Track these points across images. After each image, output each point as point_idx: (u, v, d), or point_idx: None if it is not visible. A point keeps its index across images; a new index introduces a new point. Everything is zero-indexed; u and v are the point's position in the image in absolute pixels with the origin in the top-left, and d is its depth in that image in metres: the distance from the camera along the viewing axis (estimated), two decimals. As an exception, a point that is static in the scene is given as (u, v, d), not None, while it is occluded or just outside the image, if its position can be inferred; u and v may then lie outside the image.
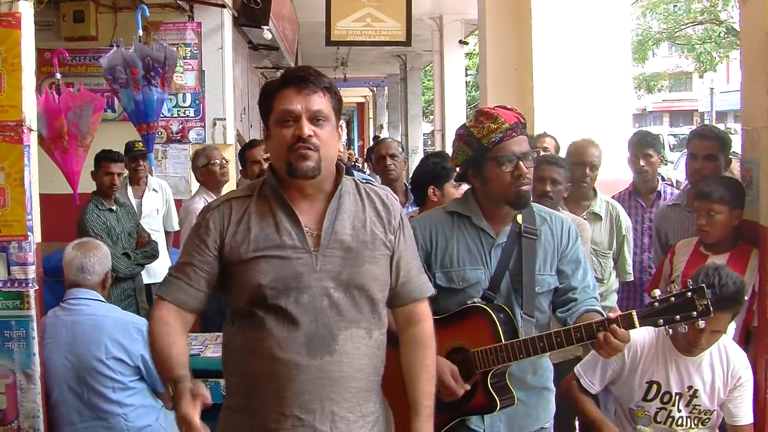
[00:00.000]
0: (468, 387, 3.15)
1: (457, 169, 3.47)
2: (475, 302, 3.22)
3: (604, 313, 3.11)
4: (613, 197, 5.50)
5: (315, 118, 2.63)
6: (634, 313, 2.94)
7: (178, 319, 2.68)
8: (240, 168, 7.90)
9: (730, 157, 5.14)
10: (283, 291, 2.59)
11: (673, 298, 2.90)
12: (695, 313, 2.87)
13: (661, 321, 2.91)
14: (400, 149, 6.55)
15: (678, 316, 2.88)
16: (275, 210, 2.68)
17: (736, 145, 4.97)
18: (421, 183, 4.79)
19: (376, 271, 2.72)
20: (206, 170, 6.32)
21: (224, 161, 6.40)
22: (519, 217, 3.29)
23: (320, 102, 2.64)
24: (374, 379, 2.76)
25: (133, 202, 7.19)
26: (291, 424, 2.60)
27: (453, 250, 3.29)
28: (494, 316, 3.15)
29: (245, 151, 6.28)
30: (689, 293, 2.87)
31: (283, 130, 2.63)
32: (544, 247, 3.31)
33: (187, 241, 2.79)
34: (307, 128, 2.60)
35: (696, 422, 3.76)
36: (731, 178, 4.63)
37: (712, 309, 2.88)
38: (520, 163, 3.14)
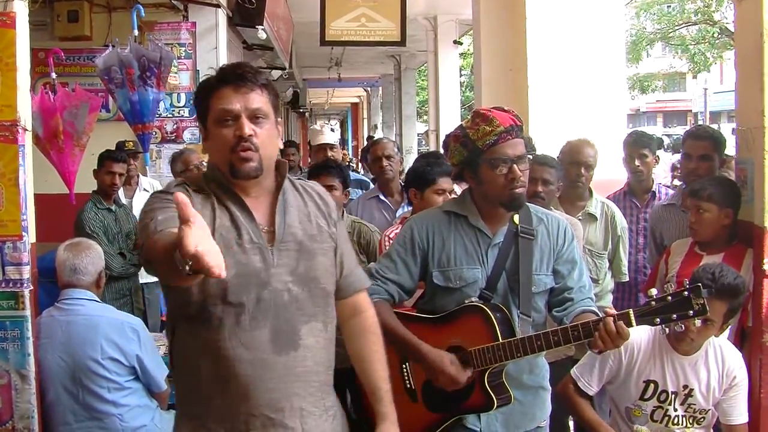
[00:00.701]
0: (470, 373, 3.17)
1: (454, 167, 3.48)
2: (472, 301, 3.24)
3: (599, 312, 3.12)
4: (607, 197, 5.50)
5: (254, 117, 2.59)
6: (631, 311, 2.95)
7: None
8: None
9: (726, 156, 5.16)
10: (244, 287, 2.53)
11: (669, 297, 2.91)
12: (692, 312, 2.88)
13: (658, 320, 2.92)
14: (395, 149, 6.55)
15: (675, 315, 2.90)
16: (228, 206, 2.61)
17: (730, 145, 4.99)
18: (406, 184, 4.82)
19: (327, 263, 2.73)
20: (184, 176, 6.32)
21: (202, 164, 6.39)
22: (516, 218, 3.31)
23: (259, 100, 2.61)
24: (331, 373, 2.77)
25: (124, 201, 7.18)
26: (261, 424, 2.57)
27: (450, 249, 3.31)
28: (491, 315, 3.17)
29: None
30: (686, 292, 2.88)
31: (222, 131, 2.58)
32: (541, 247, 3.33)
33: (151, 206, 2.56)
34: (248, 127, 2.56)
35: (691, 421, 3.77)
36: (725, 178, 4.64)
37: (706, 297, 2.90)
38: (514, 166, 3.16)
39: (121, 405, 4.15)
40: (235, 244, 2.56)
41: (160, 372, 4.33)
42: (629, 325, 2.93)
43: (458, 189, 6.02)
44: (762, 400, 4.12)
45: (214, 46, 8.53)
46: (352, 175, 7.57)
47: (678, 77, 44.86)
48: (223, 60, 8.69)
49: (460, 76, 21.15)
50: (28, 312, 3.91)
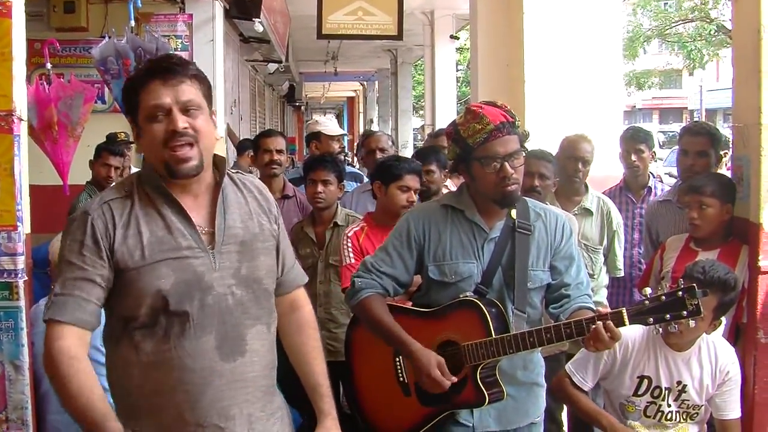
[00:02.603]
0: (455, 379, 3.15)
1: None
2: (466, 296, 3.23)
3: (594, 309, 3.14)
4: (603, 192, 5.51)
5: (186, 109, 2.47)
6: (624, 311, 2.94)
7: (82, 347, 2.40)
8: (251, 154, 8.07)
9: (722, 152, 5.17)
10: (186, 295, 2.45)
11: (663, 297, 2.91)
12: (685, 312, 2.87)
13: (651, 319, 2.92)
14: (390, 143, 6.55)
15: (668, 315, 2.90)
16: (162, 210, 2.51)
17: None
18: (372, 176, 4.81)
19: (269, 263, 2.68)
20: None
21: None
22: (513, 212, 3.30)
23: (190, 91, 2.49)
24: (274, 374, 2.72)
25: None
26: None
27: (446, 243, 3.29)
28: (485, 310, 3.16)
29: (259, 139, 6.29)
30: (680, 292, 2.88)
31: (154, 126, 2.46)
32: (538, 242, 3.31)
33: (68, 253, 2.48)
34: (181, 121, 2.44)
35: (684, 417, 3.77)
36: (722, 174, 4.64)
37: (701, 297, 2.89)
38: (505, 164, 3.14)
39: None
40: (172, 250, 2.47)
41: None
42: (621, 324, 2.92)
43: (451, 185, 6.06)
44: (755, 396, 4.13)
45: (211, 38, 8.50)
46: (349, 169, 7.58)
47: (674, 74, 44.93)
48: (220, 53, 8.67)
49: (457, 70, 21.13)
50: (22, 303, 3.90)
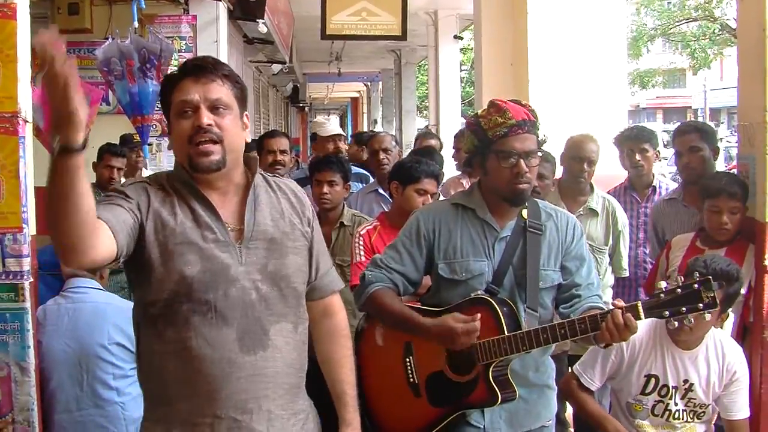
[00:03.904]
0: (479, 316, 3.09)
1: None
2: (478, 294, 3.20)
3: (607, 308, 3.07)
4: (608, 192, 5.50)
5: (215, 107, 2.52)
6: (639, 304, 2.91)
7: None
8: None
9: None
10: (211, 284, 2.47)
11: (679, 290, 2.87)
12: (701, 305, 2.83)
13: (667, 312, 2.87)
14: (393, 143, 6.55)
15: (684, 308, 2.85)
16: (191, 204, 2.55)
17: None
18: (391, 175, 4.78)
19: (299, 262, 2.68)
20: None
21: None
22: (524, 212, 3.29)
23: (219, 90, 2.54)
24: (302, 375, 2.71)
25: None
26: (227, 427, 2.50)
27: (456, 241, 3.28)
28: (497, 308, 3.14)
29: (263, 140, 6.30)
30: (695, 285, 2.83)
31: (181, 122, 2.53)
32: (549, 242, 3.29)
33: (102, 200, 2.50)
34: (207, 117, 2.49)
35: (692, 416, 3.77)
36: (735, 175, 4.62)
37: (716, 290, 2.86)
38: (521, 161, 3.13)
39: (124, 393, 4.15)
40: (200, 240, 2.50)
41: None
42: (638, 317, 2.89)
43: (467, 183, 6.05)
44: (762, 395, 4.13)
45: (215, 39, 8.51)
46: (355, 169, 7.57)
47: (678, 73, 44.91)
48: (224, 54, 8.68)
49: (461, 71, 21.11)
50: (28, 304, 3.90)
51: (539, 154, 3.23)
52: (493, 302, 3.15)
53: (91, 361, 4.12)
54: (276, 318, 2.57)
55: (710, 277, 2.86)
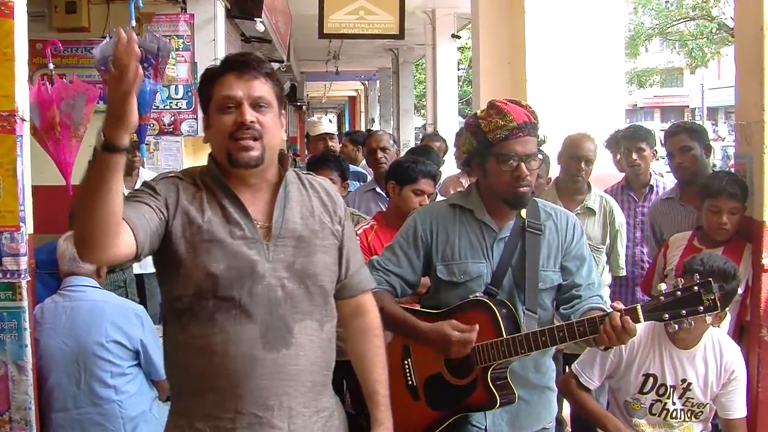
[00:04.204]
0: (477, 327, 3.06)
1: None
2: (477, 296, 3.17)
3: (608, 309, 3.02)
4: (605, 191, 5.51)
5: (257, 105, 2.56)
6: (639, 306, 2.85)
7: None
8: None
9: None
10: (237, 280, 2.50)
11: (679, 292, 2.82)
12: (702, 308, 2.78)
13: (667, 315, 2.82)
14: (391, 142, 6.55)
15: (684, 311, 2.80)
16: (221, 200, 2.58)
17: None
18: (388, 174, 4.77)
19: (328, 260, 2.68)
20: None
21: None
22: (523, 212, 3.24)
23: (262, 88, 2.58)
24: (327, 374, 2.71)
25: (125, 192, 7.16)
26: (248, 423, 2.52)
27: (455, 242, 3.24)
28: (496, 310, 3.10)
29: None
30: (696, 287, 2.78)
31: (223, 117, 2.55)
32: (548, 242, 3.25)
33: (132, 192, 2.61)
34: (250, 114, 2.53)
35: (689, 415, 3.77)
36: (734, 174, 4.62)
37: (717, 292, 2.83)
38: (522, 164, 3.08)
39: (121, 391, 4.15)
40: (227, 237, 2.53)
41: (161, 359, 4.34)
42: (637, 320, 2.83)
43: (466, 182, 6.05)
44: (759, 394, 4.14)
45: (213, 38, 8.49)
46: (352, 168, 7.57)
47: (676, 72, 44.89)
48: (221, 52, 8.67)
49: (458, 70, 21.12)
50: (25, 303, 3.90)
51: (539, 156, 3.18)
52: (492, 304, 3.11)
53: (89, 359, 4.12)
54: (301, 316, 2.58)
55: (710, 278, 2.81)
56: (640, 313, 2.84)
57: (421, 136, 12.32)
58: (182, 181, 2.62)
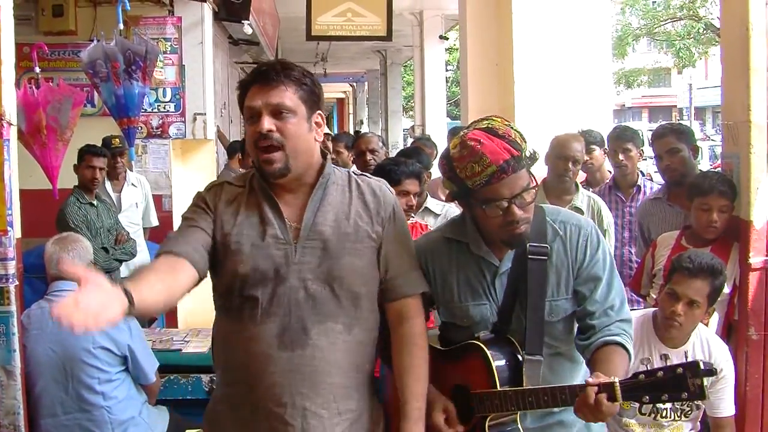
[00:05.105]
0: (461, 429, 2.78)
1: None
2: (477, 337, 2.83)
3: (627, 343, 2.73)
4: (593, 191, 5.52)
5: (278, 112, 2.58)
6: (617, 383, 2.47)
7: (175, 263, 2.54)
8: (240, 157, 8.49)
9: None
10: (260, 281, 2.58)
11: (660, 373, 2.49)
12: (686, 393, 2.45)
13: (647, 398, 2.49)
14: (380, 144, 6.54)
15: (666, 395, 2.48)
16: (261, 202, 2.66)
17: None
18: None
19: (359, 264, 2.65)
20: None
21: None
22: None
23: (282, 95, 2.59)
24: (354, 376, 2.68)
25: (113, 196, 7.18)
26: (264, 416, 2.60)
27: (452, 284, 2.88)
28: (489, 356, 2.74)
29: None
30: (680, 369, 2.47)
31: (250, 128, 2.63)
32: (556, 267, 2.82)
33: (184, 215, 2.75)
34: (267, 123, 2.56)
35: (679, 414, 3.77)
36: (721, 173, 4.63)
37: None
38: (512, 207, 2.64)
39: (109, 397, 4.14)
40: (257, 239, 2.61)
41: (149, 364, 4.33)
42: (614, 399, 2.45)
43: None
44: (747, 393, 4.15)
45: (200, 41, 8.50)
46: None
47: (663, 72, 45.08)
48: (209, 55, 8.67)
49: (446, 71, 21.15)
50: (13, 307, 3.89)
51: (533, 186, 2.70)
52: (486, 350, 2.76)
53: (76, 365, 4.11)
54: (322, 318, 2.61)
55: (697, 361, 2.47)
56: (618, 391, 2.46)
57: (411, 140, 12.33)
58: (228, 185, 2.75)
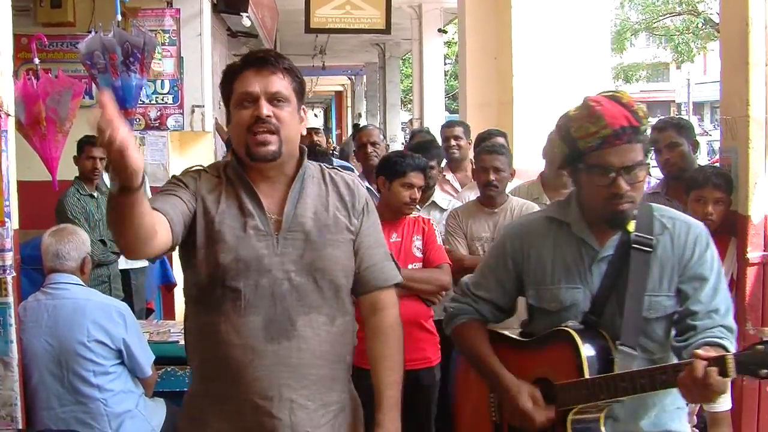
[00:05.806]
0: (553, 414, 2.68)
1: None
2: (567, 325, 2.72)
3: (730, 347, 2.52)
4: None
5: (274, 99, 2.61)
6: (729, 357, 2.29)
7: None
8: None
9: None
10: (243, 272, 2.56)
11: None
12: None
13: (765, 371, 2.26)
14: (381, 137, 6.54)
15: None
16: (239, 193, 2.64)
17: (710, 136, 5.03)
18: (377, 170, 4.75)
19: (339, 255, 2.67)
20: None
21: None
22: (632, 224, 2.70)
23: (279, 83, 2.62)
24: (338, 367, 2.69)
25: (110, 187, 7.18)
26: (250, 410, 2.58)
27: (546, 264, 2.79)
28: (580, 344, 2.63)
29: None
30: None
31: (242, 112, 2.62)
32: (661, 261, 2.69)
33: (161, 188, 2.71)
34: (266, 108, 2.58)
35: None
36: (717, 167, 4.64)
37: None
38: (619, 179, 2.56)
39: (105, 390, 4.14)
40: (239, 229, 2.59)
41: (145, 357, 4.32)
42: (725, 374, 2.27)
43: (452, 178, 6.05)
44: (744, 387, 4.15)
45: (199, 32, 8.48)
46: (337, 162, 7.57)
47: (662, 67, 45.02)
48: (208, 47, 8.65)
49: (445, 64, 21.13)
50: (10, 299, 3.89)
51: (646, 165, 2.63)
52: (577, 337, 2.65)
53: (71, 358, 4.10)
54: (307, 309, 2.61)
55: None
56: (731, 365, 2.28)
57: (410, 133, 12.31)
58: (205, 173, 2.71)
